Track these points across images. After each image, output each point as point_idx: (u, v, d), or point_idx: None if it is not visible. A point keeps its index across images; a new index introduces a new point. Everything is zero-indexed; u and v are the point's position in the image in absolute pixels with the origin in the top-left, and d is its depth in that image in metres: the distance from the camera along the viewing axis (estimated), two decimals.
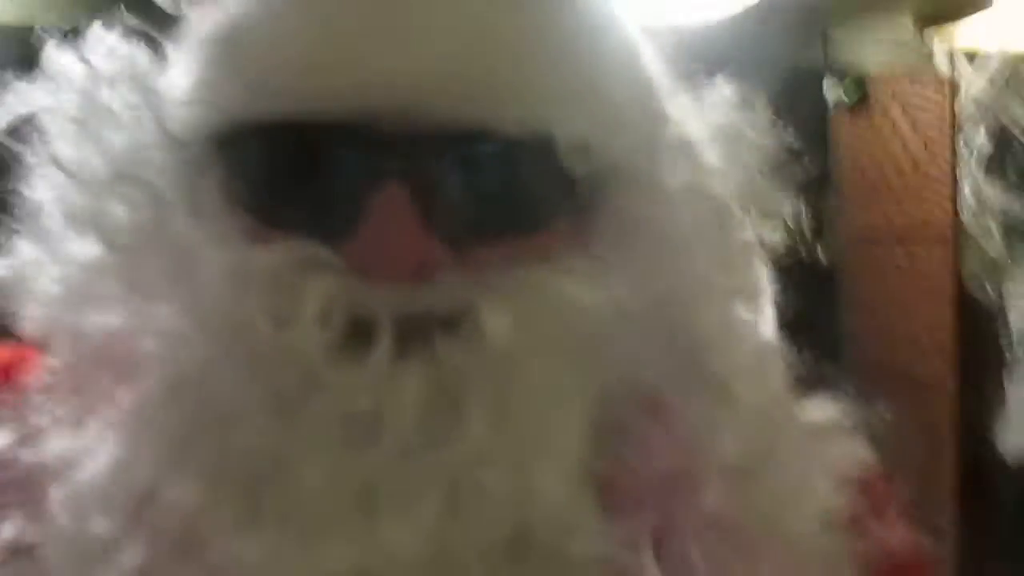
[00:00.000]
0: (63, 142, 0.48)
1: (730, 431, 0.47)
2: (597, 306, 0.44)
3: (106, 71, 0.48)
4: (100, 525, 0.42)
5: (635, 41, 0.50)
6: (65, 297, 0.48)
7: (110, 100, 0.48)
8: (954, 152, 3.00)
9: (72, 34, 0.49)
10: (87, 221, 0.46)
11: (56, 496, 0.43)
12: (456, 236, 0.43)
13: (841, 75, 3.30)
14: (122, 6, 0.51)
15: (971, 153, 3.29)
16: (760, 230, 0.52)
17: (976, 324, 3.05)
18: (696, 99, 0.52)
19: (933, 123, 3.04)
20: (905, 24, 3.19)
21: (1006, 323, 3.15)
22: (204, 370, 0.42)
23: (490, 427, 0.41)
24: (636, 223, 0.48)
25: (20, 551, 0.43)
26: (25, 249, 0.49)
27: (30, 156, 0.49)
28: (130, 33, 0.50)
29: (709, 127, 0.51)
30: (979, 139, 3.31)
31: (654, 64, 0.51)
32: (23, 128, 0.49)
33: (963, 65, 3.32)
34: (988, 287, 3.18)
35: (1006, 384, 3.07)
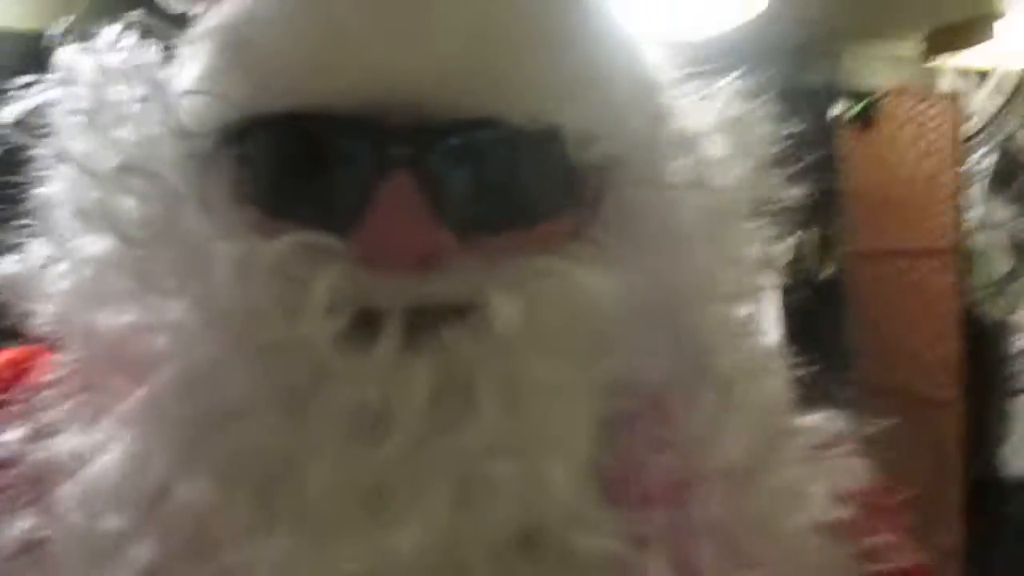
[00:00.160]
0: (73, 137, 0.48)
1: (730, 431, 0.47)
2: (605, 295, 0.44)
3: (115, 66, 0.48)
4: (111, 522, 0.42)
5: (634, 39, 0.50)
6: (77, 294, 0.48)
7: (119, 95, 0.48)
8: (959, 169, 3.00)
9: (81, 32, 0.50)
10: (98, 215, 0.46)
11: (67, 492, 0.43)
12: (463, 225, 0.43)
13: (847, 93, 3.30)
14: (130, 4, 0.51)
15: (976, 170, 3.29)
16: (765, 235, 0.52)
17: (981, 341, 3.05)
18: (700, 93, 0.53)
19: (939, 140, 3.04)
20: (911, 43, 3.20)
21: (1011, 339, 3.15)
22: (215, 365, 0.42)
23: (499, 417, 0.41)
24: (639, 216, 0.48)
25: (31, 546, 0.43)
26: (37, 247, 0.50)
27: (42, 154, 0.49)
28: (139, 29, 0.50)
29: (713, 120, 0.51)
30: (984, 156, 3.32)
31: (655, 61, 0.51)
32: (35, 126, 0.49)
33: (968, 83, 3.34)
34: (993, 303, 3.18)
35: (1011, 400, 3.06)
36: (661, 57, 0.52)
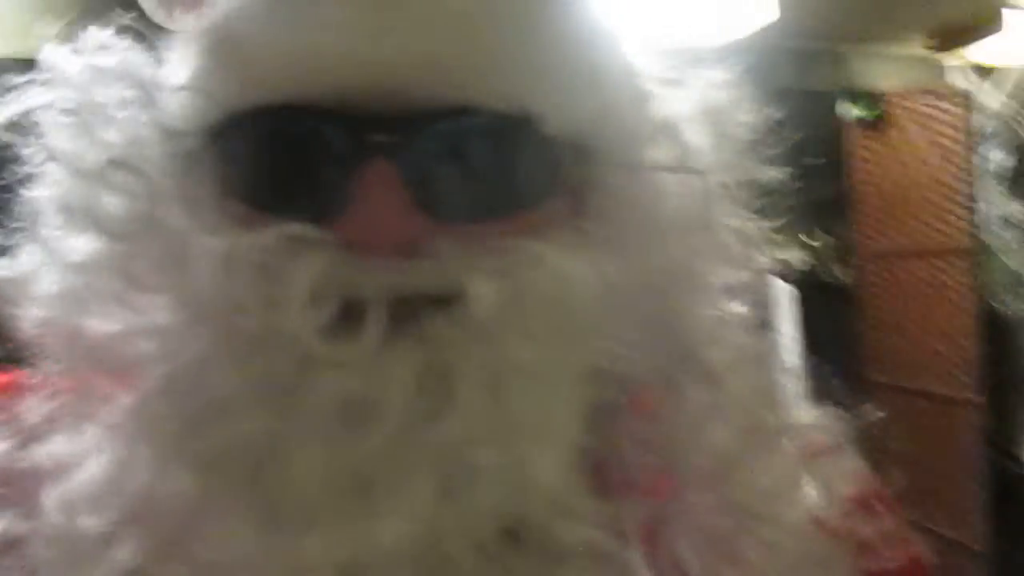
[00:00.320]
0: (61, 136, 0.48)
1: (715, 423, 0.47)
2: (587, 281, 0.43)
3: (101, 66, 0.49)
4: (92, 523, 0.42)
5: (614, 29, 0.50)
6: (63, 298, 0.48)
7: (107, 95, 0.48)
8: (972, 166, 2.99)
9: (70, 36, 0.50)
10: (83, 212, 0.46)
11: (51, 495, 0.44)
12: (444, 213, 0.43)
13: (855, 93, 3.30)
14: (117, 6, 0.52)
15: (989, 167, 3.28)
16: (754, 225, 0.52)
17: (1001, 339, 3.03)
18: (681, 81, 0.53)
19: (950, 137, 3.03)
20: (918, 41, 3.20)
21: None
22: (200, 363, 0.42)
23: (482, 405, 0.41)
24: (622, 204, 0.48)
25: (12, 547, 0.44)
26: (26, 251, 0.49)
27: (29, 155, 0.49)
28: (125, 30, 0.51)
29: (694, 107, 0.51)
30: (997, 153, 3.30)
31: (635, 50, 0.51)
32: (22, 128, 0.50)
33: (979, 79, 3.32)
34: (1011, 301, 3.16)
35: None
36: (642, 47, 0.52)
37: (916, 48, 3.24)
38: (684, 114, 0.51)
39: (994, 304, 3.09)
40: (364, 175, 0.42)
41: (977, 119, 3.13)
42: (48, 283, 0.48)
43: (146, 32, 0.51)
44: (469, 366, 0.41)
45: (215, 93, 0.45)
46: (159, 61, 0.50)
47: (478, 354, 0.41)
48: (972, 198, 2.98)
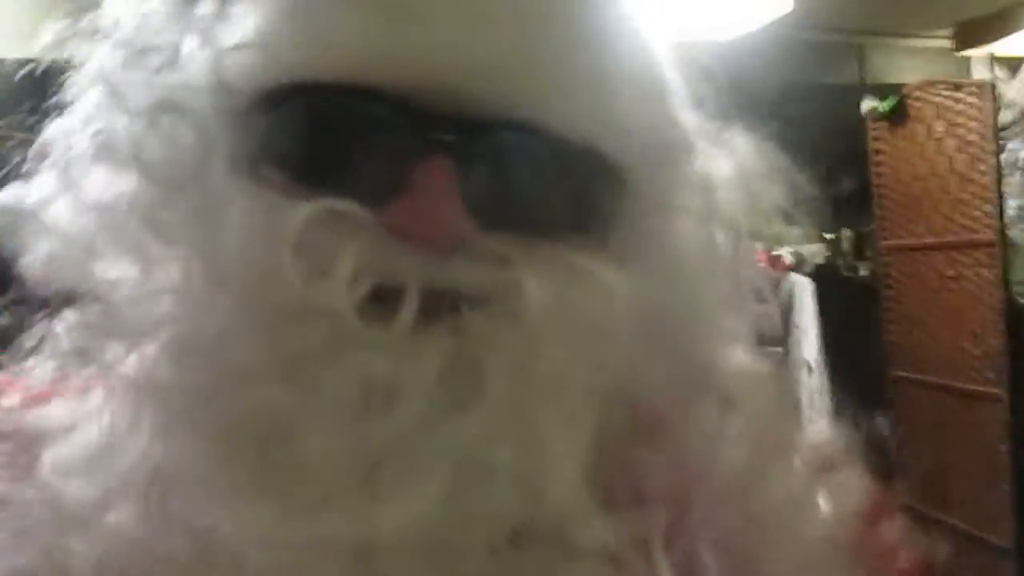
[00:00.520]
0: (114, 70, 0.47)
1: (731, 441, 0.48)
2: (626, 296, 0.44)
3: (167, 10, 0.48)
4: (86, 488, 0.42)
5: (670, 67, 0.51)
6: (80, 235, 0.46)
7: (164, 37, 0.47)
8: (995, 159, 2.96)
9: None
10: (124, 149, 0.45)
11: (48, 459, 0.43)
12: (491, 220, 0.43)
13: (877, 87, 3.28)
14: None
15: (1012, 160, 3.25)
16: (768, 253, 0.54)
17: (1022, 332, 3.00)
18: (718, 140, 0.54)
19: (973, 129, 3.01)
20: (940, 35, 3.17)
21: None
22: (220, 328, 0.41)
23: (505, 404, 0.40)
24: (652, 242, 0.49)
25: (3, 503, 0.43)
26: (41, 180, 0.48)
27: (66, 83, 0.48)
28: None
29: (731, 169, 0.53)
30: (1020, 145, 3.27)
31: (681, 95, 0.52)
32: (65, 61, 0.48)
33: (1002, 71, 3.29)
34: None
35: None
36: (691, 82, 0.52)
37: (938, 41, 3.22)
38: (721, 171, 0.52)
39: (1018, 298, 3.06)
40: (422, 169, 0.42)
41: (1000, 112, 3.10)
42: (64, 218, 0.47)
43: None
44: (502, 363, 0.41)
45: (282, 57, 0.44)
46: (227, 13, 0.48)
47: (508, 353, 0.41)
48: (995, 191, 2.95)
